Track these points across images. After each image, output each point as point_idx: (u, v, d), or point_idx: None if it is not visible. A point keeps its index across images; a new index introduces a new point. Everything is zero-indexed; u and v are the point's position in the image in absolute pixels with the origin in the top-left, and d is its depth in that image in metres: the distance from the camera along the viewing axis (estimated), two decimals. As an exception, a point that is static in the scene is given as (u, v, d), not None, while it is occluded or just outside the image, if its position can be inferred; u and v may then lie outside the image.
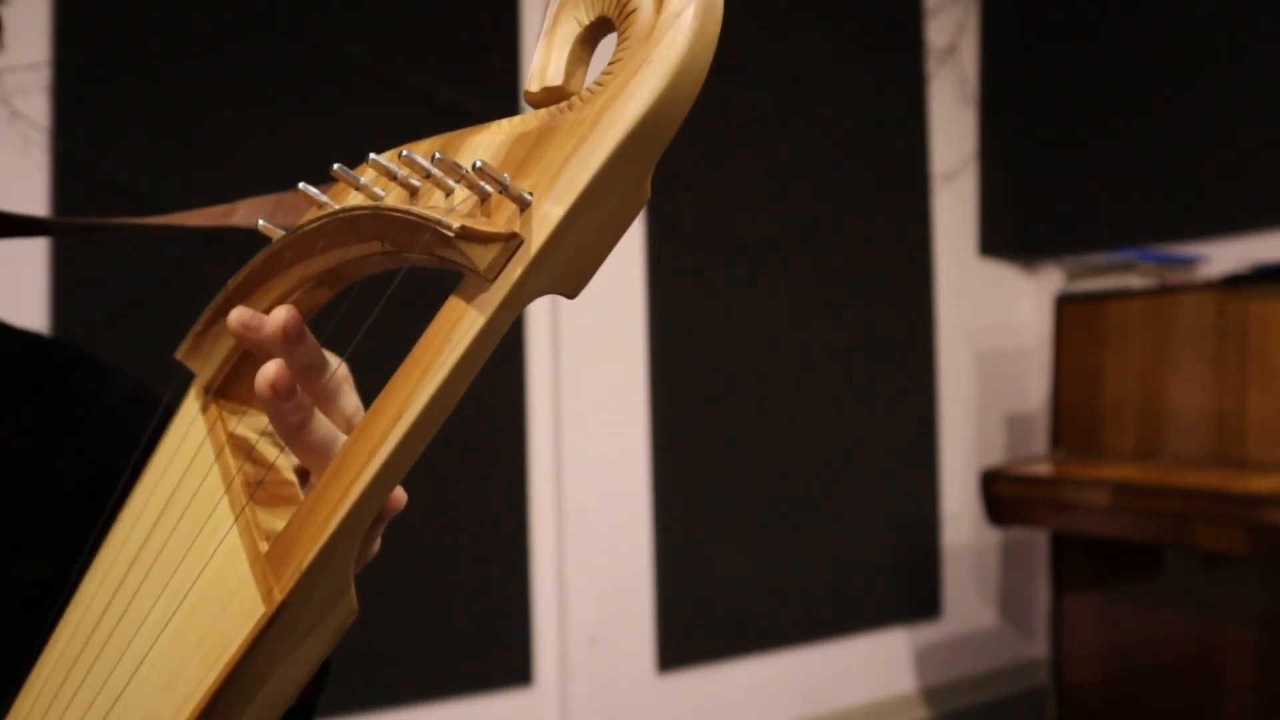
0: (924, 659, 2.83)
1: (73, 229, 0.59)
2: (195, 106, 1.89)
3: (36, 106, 1.75)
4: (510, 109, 2.21)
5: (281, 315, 0.36)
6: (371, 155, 0.36)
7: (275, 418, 0.36)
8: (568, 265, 0.32)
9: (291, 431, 0.36)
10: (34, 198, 1.76)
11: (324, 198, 0.39)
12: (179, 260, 1.86)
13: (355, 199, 0.38)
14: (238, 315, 0.37)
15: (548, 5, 0.35)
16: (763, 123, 2.56)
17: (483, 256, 0.32)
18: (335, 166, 0.36)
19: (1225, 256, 2.44)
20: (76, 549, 0.53)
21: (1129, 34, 2.76)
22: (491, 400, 2.16)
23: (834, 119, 2.71)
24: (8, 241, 1.74)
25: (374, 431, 0.33)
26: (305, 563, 0.33)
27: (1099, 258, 2.47)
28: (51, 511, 0.57)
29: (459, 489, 2.11)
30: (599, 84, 0.32)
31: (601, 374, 2.33)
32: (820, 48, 2.70)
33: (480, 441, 2.14)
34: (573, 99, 0.33)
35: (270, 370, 0.35)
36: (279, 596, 0.34)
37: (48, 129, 1.76)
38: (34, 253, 1.76)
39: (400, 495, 0.41)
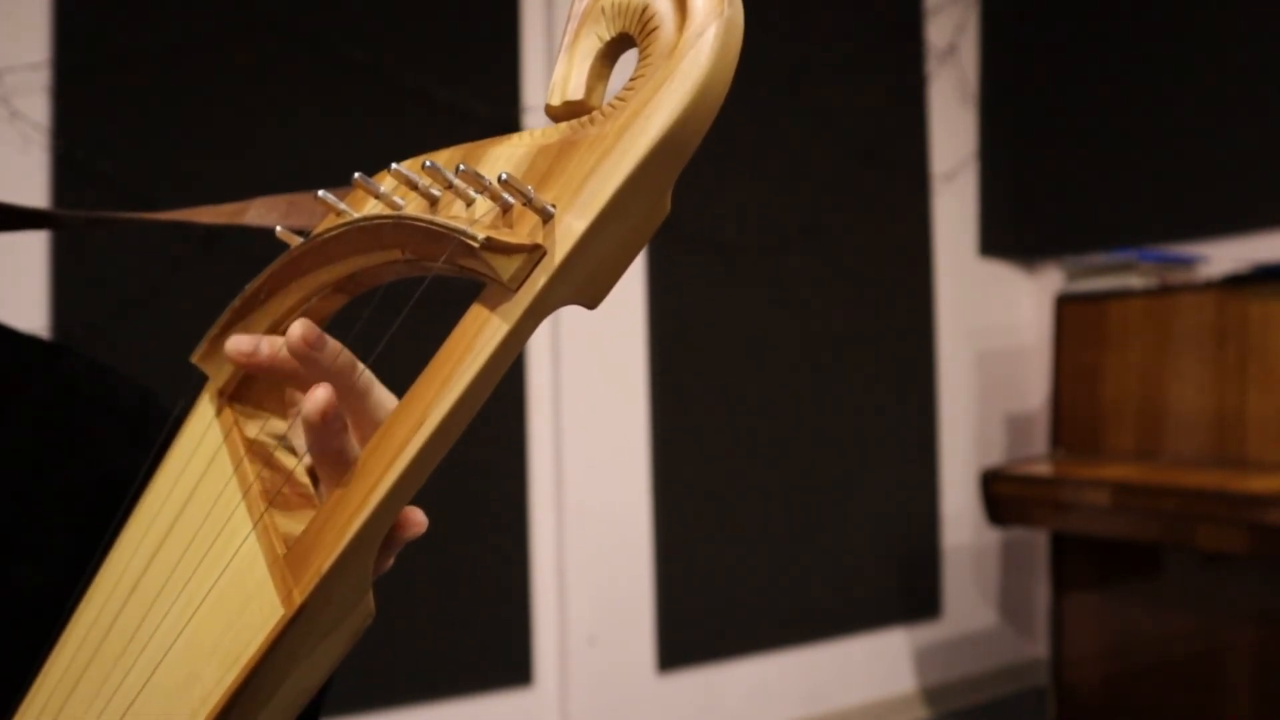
0: (924, 659, 2.84)
1: (83, 223, 0.59)
2: (195, 106, 1.89)
3: (36, 106, 1.75)
4: (511, 109, 2.21)
5: (299, 330, 0.36)
6: (393, 165, 0.36)
7: (318, 441, 0.36)
8: (589, 277, 0.33)
9: (327, 452, 0.36)
10: (34, 198, 1.76)
11: (342, 204, 0.39)
12: (179, 260, 1.86)
13: (374, 207, 0.38)
14: (237, 344, 0.37)
15: (568, 20, 0.35)
16: (763, 122, 2.56)
17: (506, 267, 0.32)
18: (356, 176, 0.37)
19: (1225, 256, 2.44)
20: (80, 555, 0.53)
21: (1129, 34, 2.76)
22: (492, 400, 2.16)
23: (834, 119, 2.71)
24: (8, 242, 1.72)
25: (395, 437, 0.33)
26: (326, 565, 0.34)
27: (1099, 258, 2.47)
28: (55, 517, 0.57)
29: (459, 489, 2.11)
30: (621, 99, 0.32)
31: (601, 373, 2.33)
32: (820, 48, 2.70)
33: (480, 441, 2.14)
34: (594, 114, 0.33)
35: (321, 397, 0.35)
36: (299, 599, 0.34)
37: (48, 129, 1.76)
38: (34, 252, 1.76)
39: (421, 520, 0.41)
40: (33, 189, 1.75)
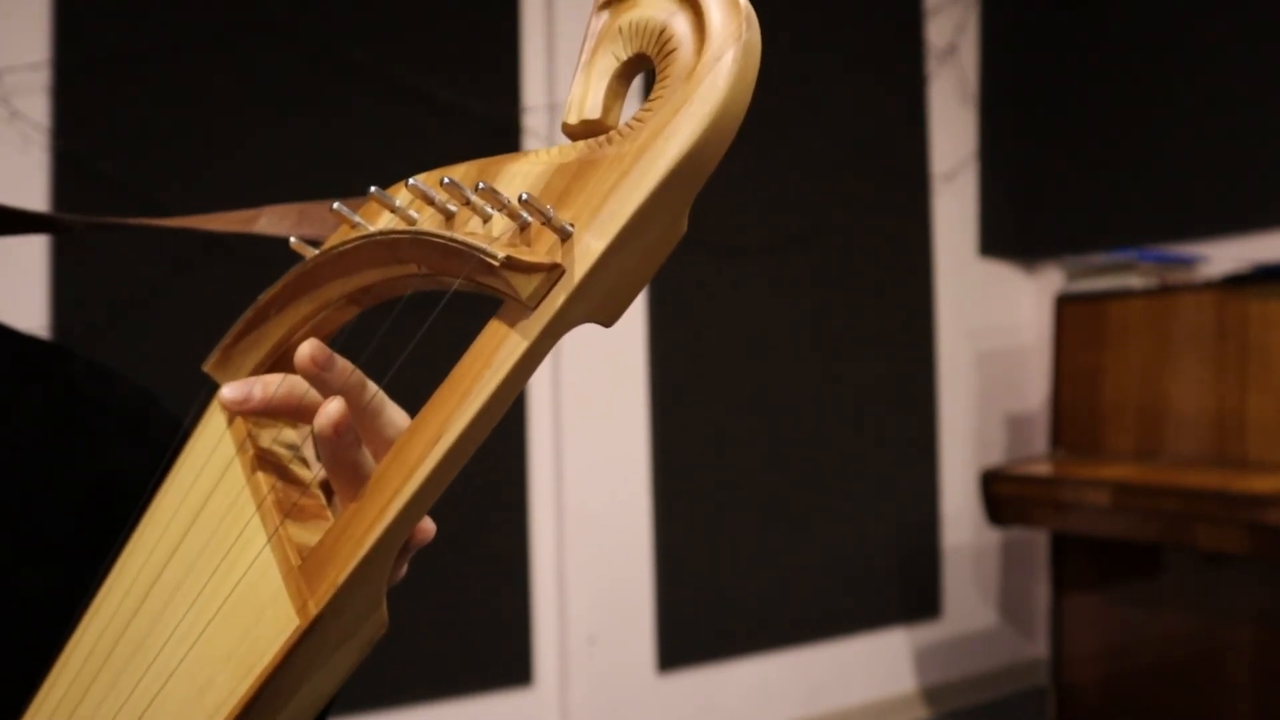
0: (924, 659, 2.84)
1: (90, 227, 0.59)
2: (195, 106, 1.89)
3: (36, 106, 1.75)
4: (510, 110, 2.21)
5: (307, 349, 0.37)
6: (409, 180, 0.37)
7: (332, 453, 0.36)
8: (607, 296, 0.33)
9: (341, 465, 0.37)
10: (34, 198, 1.76)
11: (357, 217, 0.39)
12: (179, 261, 1.86)
13: (389, 220, 0.38)
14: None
15: (585, 39, 0.35)
16: (763, 123, 2.56)
17: (525, 285, 0.32)
18: (372, 190, 0.37)
19: (1225, 256, 2.44)
20: (82, 557, 0.53)
21: (1129, 34, 2.76)
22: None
23: (834, 119, 2.71)
24: (9, 242, 1.72)
25: (412, 452, 0.33)
26: (342, 577, 0.34)
27: (1099, 258, 2.47)
28: (57, 520, 0.57)
29: (459, 489, 2.10)
30: (638, 120, 0.32)
31: (601, 373, 2.33)
32: (821, 48, 2.70)
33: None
34: (611, 133, 0.34)
35: (334, 411, 0.36)
36: (314, 610, 0.34)
37: (48, 129, 1.75)
38: (34, 253, 1.75)
39: (429, 526, 0.41)
40: (33, 189, 1.75)
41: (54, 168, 1.76)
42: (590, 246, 0.32)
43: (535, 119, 2.23)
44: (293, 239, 0.41)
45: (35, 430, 0.58)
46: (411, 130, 2.08)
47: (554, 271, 0.32)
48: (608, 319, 0.34)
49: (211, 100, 1.90)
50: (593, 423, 2.31)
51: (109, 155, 1.80)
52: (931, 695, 2.83)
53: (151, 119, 1.85)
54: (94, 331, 1.79)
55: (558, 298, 0.32)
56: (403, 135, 2.06)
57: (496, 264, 0.32)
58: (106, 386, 0.62)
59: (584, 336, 2.45)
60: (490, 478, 2.18)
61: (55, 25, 1.76)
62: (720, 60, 0.31)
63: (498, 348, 0.33)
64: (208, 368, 0.45)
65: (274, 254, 0.42)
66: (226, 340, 0.44)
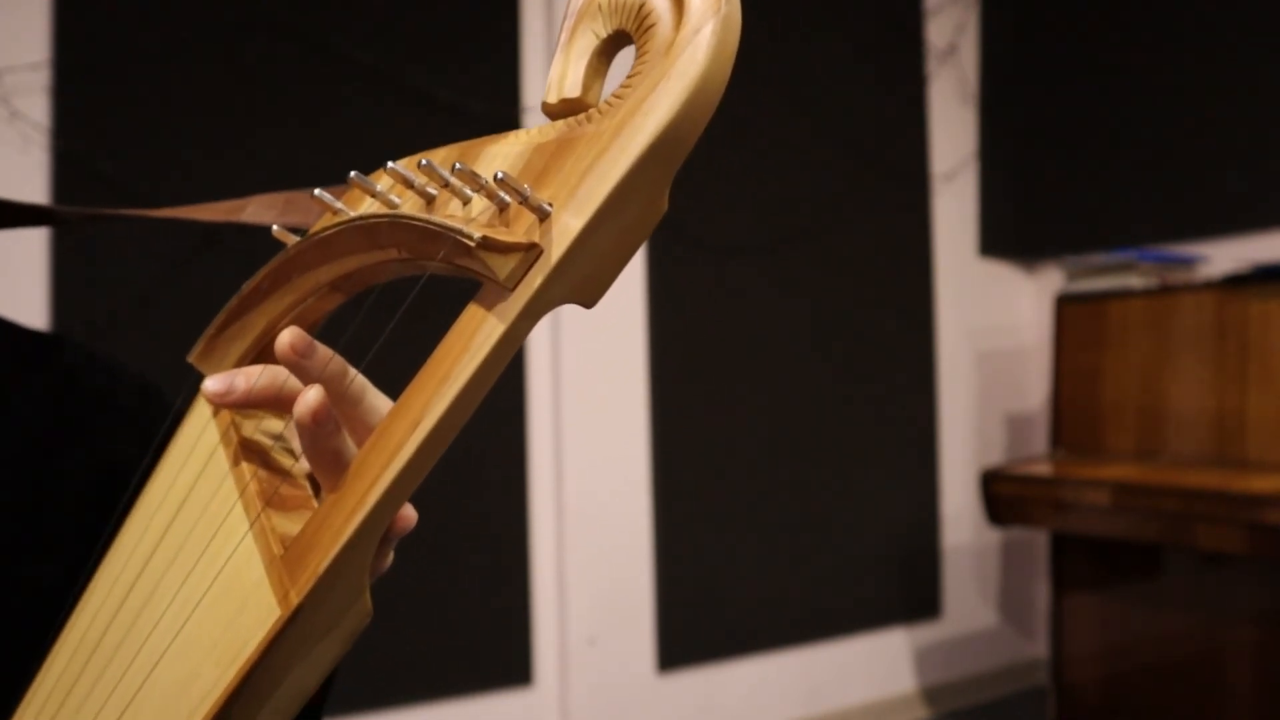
0: (924, 659, 2.84)
1: (83, 219, 0.59)
2: (195, 106, 1.89)
3: (36, 106, 1.75)
4: (510, 109, 2.21)
5: (287, 337, 0.37)
6: (389, 164, 0.36)
7: (312, 442, 0.36)
8: (586, 275, 0.33)
9: (322, 454, 0.36)
10: (34, 197, 1.76)
11: (339, 203, 0.39)
12: (179, 260, 1.86)
13: (370, 205, 0.38)
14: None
15: (564, 17, 0.35)
16: (763, 122, 2.56)
17: (503, 266, 0.32)
18: (352, 174, 0.36)
19: (1225, 256, 2.44)
20: (86, 548, 0.53)
21: (1129, 34, 2.76)
22: (491, 400, 2.16)
23: (834, 119, 2.71)
24: (8, 242, 1.72)
25: (391, 437, 0.33)
26: (322, 566, 0.34)
27: (1099, 258, 2.47)
28: (61, 511, 0.57)
29: (459, 489, 2.11)
30: (617, 97, 0.32)
31: (601, 373, 2.33)
32: (821, 48, 2.70)
33: (480, 441, 2.14)
34: (591, 111, 0.33)
35: (312, 399, 0.35)
36: (295, 600, 0.34)
37: (48, 129, 1.76)
38: (34, 252, 1.76)
39: (411, 514, 0.41)
40: (33, 189, 1.75)
41: (54, 168, 1.76)
42: (568, 225, 0.31)
43: (535, 118, 2.23)
44: (274, 226, 0.41)
45: (38, 423, 0.58)
46: (411, 129, 2.08)
47: (531, 251, 0.32)
48: (588, 299, 0.33)
49: (211, 100, 1.90)
50: (593, 422, 2.31)
51: (109, 155, 1.80)
52: (931, 695, 2.83)
53: (151, 119, 1.85)
54: (94, 331, 1.79)
55: (536, 278, 0.32)
56: (402, 135, 2.06)
57: (473, 245, 0.31)
58: (109, 378, 0.63)
59: (584, 336, 2.45)
60: (490, 477, 2.18)
61: (55, 25, 1.76)
62: (699, 33, 0.30)
63: (476, 330, 0.33)
64: (192, 358, 0.44)
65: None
66: (210, 330, 0.43)
